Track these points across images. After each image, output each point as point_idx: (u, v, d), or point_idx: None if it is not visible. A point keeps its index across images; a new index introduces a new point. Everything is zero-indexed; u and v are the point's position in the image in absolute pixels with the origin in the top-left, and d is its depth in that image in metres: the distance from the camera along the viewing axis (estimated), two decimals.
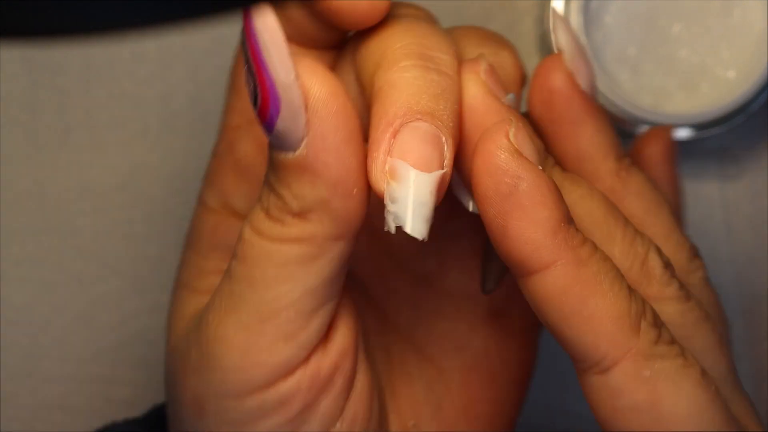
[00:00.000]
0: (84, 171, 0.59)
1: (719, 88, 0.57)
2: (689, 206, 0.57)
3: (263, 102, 0.39)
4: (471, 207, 0.42)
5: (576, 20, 0.56)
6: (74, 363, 0.59)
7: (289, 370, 0.42)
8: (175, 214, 0.59)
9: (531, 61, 0.59)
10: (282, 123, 0.39)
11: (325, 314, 0.42)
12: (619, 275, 0.40)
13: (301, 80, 0.39)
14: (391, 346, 0.47)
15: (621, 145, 0.46)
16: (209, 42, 0.59)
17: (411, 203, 0.39)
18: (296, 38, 0.44)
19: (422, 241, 0.39)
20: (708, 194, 0.59)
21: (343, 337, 0.43)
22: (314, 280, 0.41)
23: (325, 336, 0.42)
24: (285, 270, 0.40)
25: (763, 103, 0.57)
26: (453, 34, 0.45)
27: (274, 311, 0.41)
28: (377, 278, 0.47)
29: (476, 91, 0.41)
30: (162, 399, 0.60)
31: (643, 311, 0.40)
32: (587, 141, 0.45)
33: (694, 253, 0.46)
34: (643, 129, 0.56)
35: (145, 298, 0.59)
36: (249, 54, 0.39)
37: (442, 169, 0.39)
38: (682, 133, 0.57)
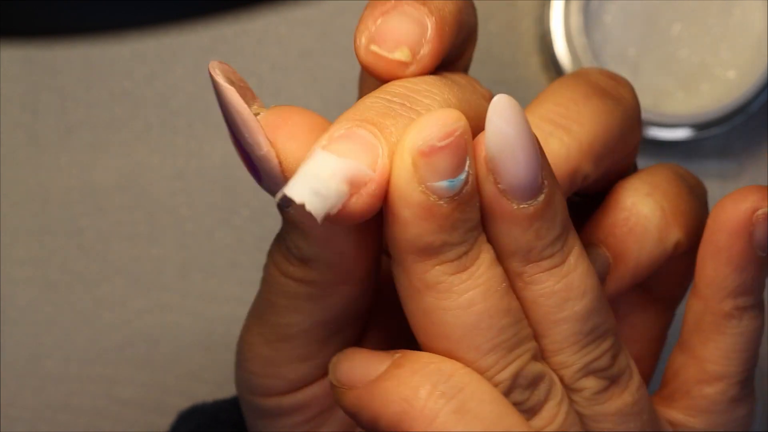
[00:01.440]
0: (85, 171, 0.59)
1: (719, 88, 0.57)
2: None
3: (247, 168, 0.39)
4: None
5: (576, 20, 0.56)
6: (77, 363, 0.60)
7: (306, 384, 0.44)
8: (176, 213, 0.60)
9: (531, 61, 0.59)
10: (267, 186, 0.39)
11: (344, 339, 0.43)
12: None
13: (277, 148, 0.38)
14: None
15: (543, 248, 0.40)
16: (209, 42, 0.59)
17: (303, 171, 0.37)
18: None
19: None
20: (708, 194, 0.59)
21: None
22: (323, 314, 0.42)
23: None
24: (294, 302, 0.42)
25: (763, 103, 0.57)
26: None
27: (288, 335, 0.42)
28: None
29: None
30: (165, 397, 0.60)
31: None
32: (492, 237, 0.40)
33: (586, 374, 0.42)
34: (644, 129, 0.56)
35: (149, 297, 0.60)
36: (227, 125, 0.39)
37: (369, 171, 0.37)
38: (682, 133, 0.57)
